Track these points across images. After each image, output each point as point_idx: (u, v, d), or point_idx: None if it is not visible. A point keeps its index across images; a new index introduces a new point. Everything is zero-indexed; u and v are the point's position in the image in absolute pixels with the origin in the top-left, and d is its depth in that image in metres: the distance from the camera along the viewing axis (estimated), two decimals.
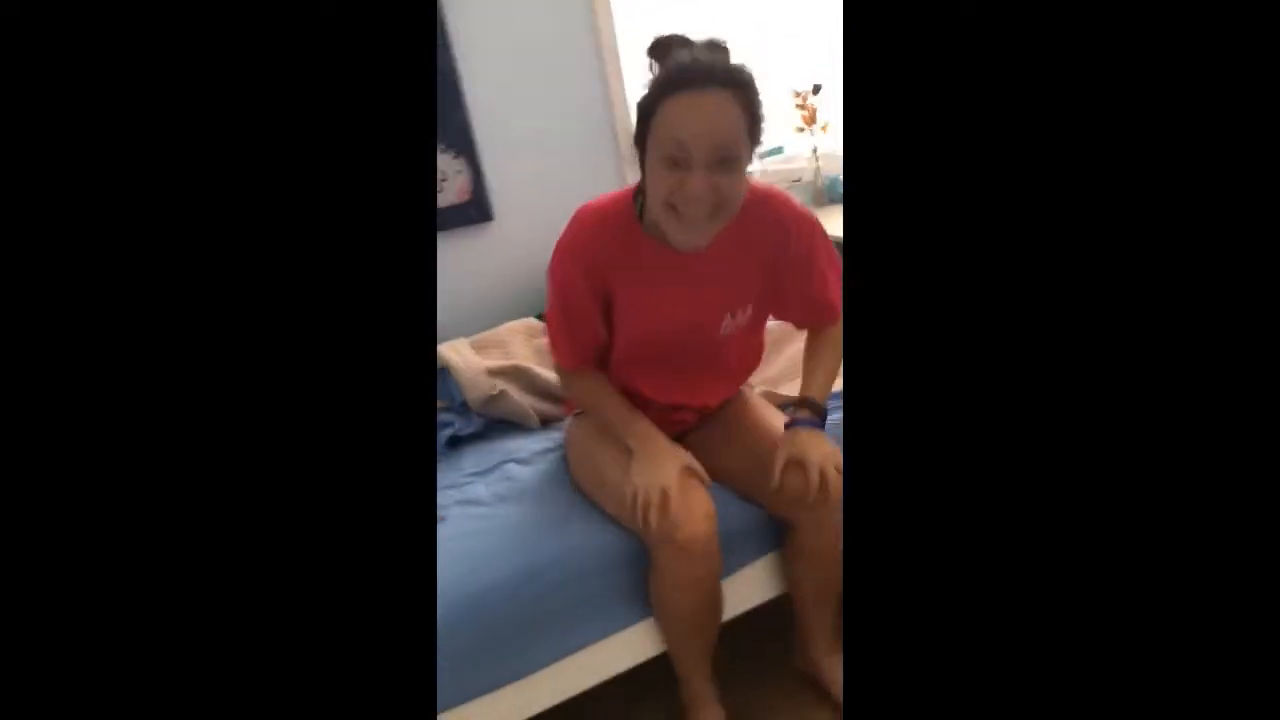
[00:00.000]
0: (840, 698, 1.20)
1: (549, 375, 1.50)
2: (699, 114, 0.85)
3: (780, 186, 1.18)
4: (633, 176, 2.05)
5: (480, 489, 1.26)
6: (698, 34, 0.91)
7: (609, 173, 2.05)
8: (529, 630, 1.05)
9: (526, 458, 1.34)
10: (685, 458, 1.03)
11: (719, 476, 1.09)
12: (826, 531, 1.09)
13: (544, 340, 1.70)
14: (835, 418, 1.25)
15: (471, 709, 1.03)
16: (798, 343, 1.37)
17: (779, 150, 2.29)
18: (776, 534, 1.17)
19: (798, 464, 1.02)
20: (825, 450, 1.02)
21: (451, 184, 1.83)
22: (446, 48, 1.73)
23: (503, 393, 1.45)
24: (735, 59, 0.89)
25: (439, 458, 1.39)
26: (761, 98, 0.90)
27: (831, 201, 2.28)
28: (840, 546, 1.13)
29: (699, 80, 0.85)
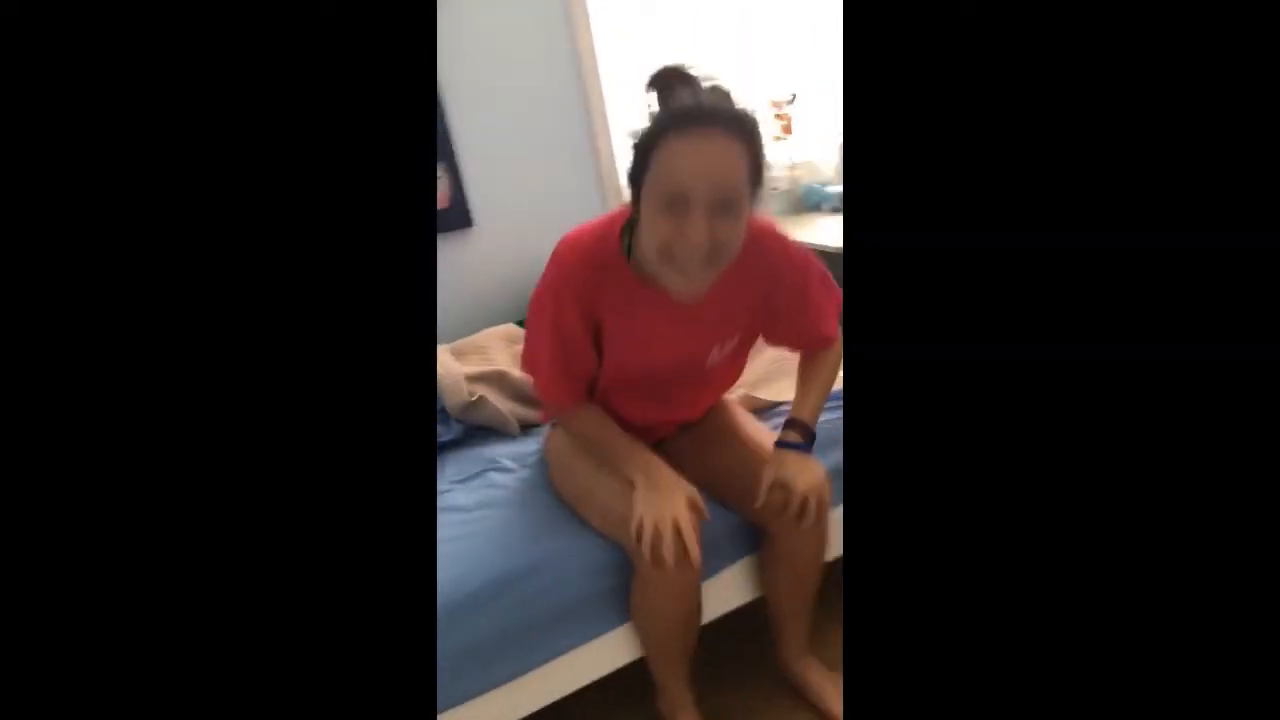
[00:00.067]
0: (816, 700, 1.22)
1: (529, 379, 1.50)
2: (702, 156, 0.82)
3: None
4: (610, 180, 2.08)
5: (461, 496, 1.26)
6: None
7: (587, 179, 2.07)
8: (511, 637, 1.05)
9: (507, 464, 1.34)
10: (690, 491, 1.01)
11: (698, 482, 1.11)
12: (802, 539, 1.11)
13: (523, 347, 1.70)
14: (835, 416, 1.27)
15: (459, 714, 1.04)
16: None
17: None
18: (754, 538, 1.19)
19: (783, 486, 1.03)
20: (812, 480, 1.02)
21: None
22: None
23: (481, 398, 1.45)
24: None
25: None
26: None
27: (808, 210, 2.31)
28: (817, 554, 1.16)
29: (703, 121, 0.82)
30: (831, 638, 1.31)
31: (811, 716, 1.22)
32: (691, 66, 0.86)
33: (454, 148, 1.84)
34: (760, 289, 1.05)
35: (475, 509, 1.21)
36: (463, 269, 1.92)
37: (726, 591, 1.21)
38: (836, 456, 1.22)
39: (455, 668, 1.01)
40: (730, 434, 1.19)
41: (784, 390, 1.45)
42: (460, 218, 1.90)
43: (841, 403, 1.27)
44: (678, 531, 0.95)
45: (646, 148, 0.85)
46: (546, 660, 1.09)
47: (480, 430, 1.48)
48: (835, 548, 1.23)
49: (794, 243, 1.07)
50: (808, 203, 2.30)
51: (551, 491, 1.21)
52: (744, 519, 1.16)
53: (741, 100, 0.86)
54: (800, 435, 1.08)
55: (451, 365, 1.55)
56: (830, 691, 1.20)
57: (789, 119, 2.20)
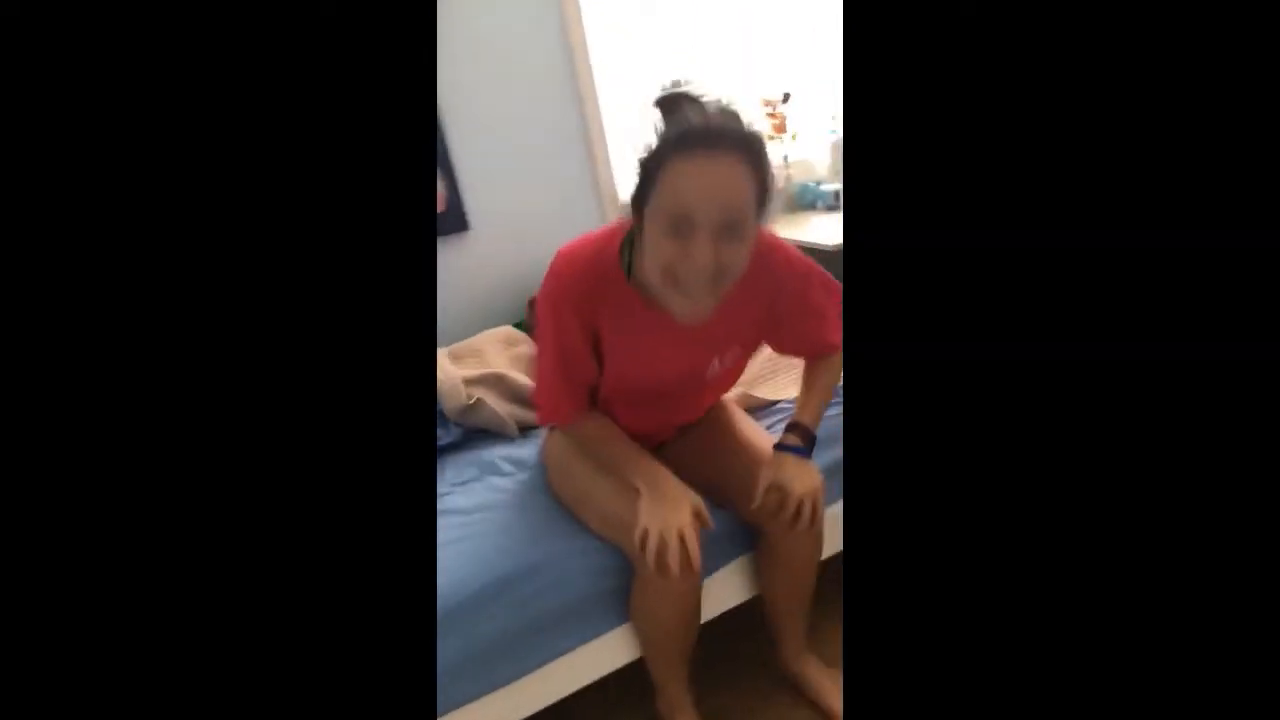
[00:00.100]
0: (816, 697, 1.22)
1: (527, 381, 1.51)
2: (707, 178, 0.80)
3: None
4: (606, 184, 2.08)
5: (460, 499, 1.26)
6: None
7: (583, 182, 2.07)
8: (511, 638, 1.05)
9: (505, 467, 1.34)
10: (696, 501, 1.00)
11: (695, 483, 1.11)
12: (797, 541, 1.11)
13: (520, 349, 1.70)
14: (832, 413, 1.26)
15: (459, 715, 1.04)
16: None
17: None
18: (750, 537, 1.19)
19: (779, 489, 1.03)
20: (809, 484, 1.02)
21: None
22: None
23: (479, 401, 1.45)
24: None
25: None
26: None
27: (803, 208, 2.32)
28: (813, 555, 1.16)
29: (710, 142, 0.80)
30: (829, 635, 1.32)
31: (811, 714, 1.22)
32: (699, 86, 0.85)
33: (450, 151, 1.84)
34: (764, 302, 1.04)
35: (474, 511, 1.21)
36: (459, 272, 1.92)
37: (724, 590, 1.21)
38: (834, 454, 1.23)
39: (455, 670, 1.01)
40: (728, 435, 1.20)
41: (781, 388, 1.46)
42: (456, 221, 1.89)
43: (841, 401, 1.27)
44: (682, 541, 0.95)
45: (652, 168, 0.83)
46: (546, 661, 1.09)
47: (479, 433, 1.48)
48: (835, 544, 1.24)
49: (795, 252, 1.06)
50: (802, 201, 2.31)
51: (550, 494, 1.21)
52: (740, 519, 1.16)
53: (750, 120, 0.84)
54: (800, 439, 1.08)
55: (449, 368, 1.55)
56: (830, 688, 1.21)
57: (782, 118, 2.21)
